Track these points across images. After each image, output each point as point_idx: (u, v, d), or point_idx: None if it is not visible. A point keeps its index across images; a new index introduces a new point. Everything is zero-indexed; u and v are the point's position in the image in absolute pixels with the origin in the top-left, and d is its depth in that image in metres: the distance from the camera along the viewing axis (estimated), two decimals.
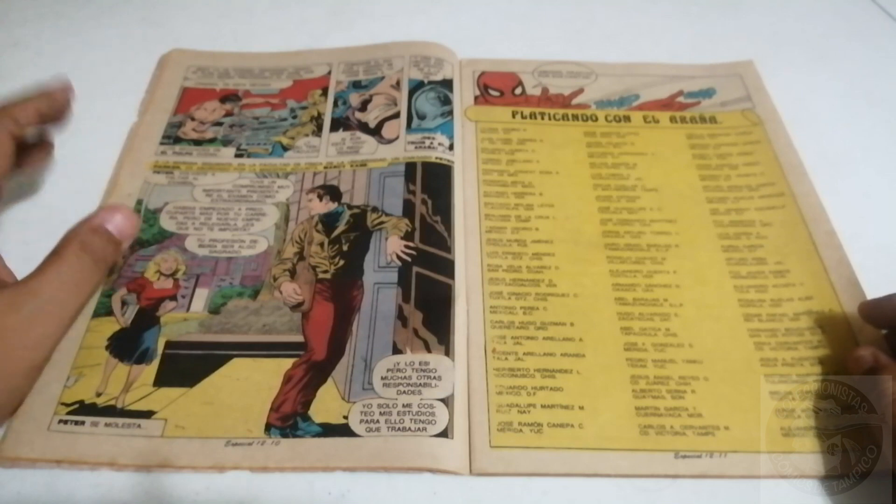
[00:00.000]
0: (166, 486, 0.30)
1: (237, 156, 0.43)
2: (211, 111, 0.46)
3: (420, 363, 0.33)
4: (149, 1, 0.55)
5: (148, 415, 0.31)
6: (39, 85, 0.33)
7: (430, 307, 0.35)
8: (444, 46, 0.49)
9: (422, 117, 0.45)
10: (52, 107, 0.33)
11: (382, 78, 0.47)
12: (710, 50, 0.50)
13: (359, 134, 0.44)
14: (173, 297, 0.36)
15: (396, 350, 0.34)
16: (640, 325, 0.36)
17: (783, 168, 0.43)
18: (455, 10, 0.55)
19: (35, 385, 0.31)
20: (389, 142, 0.43)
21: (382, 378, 0.33)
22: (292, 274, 0.37)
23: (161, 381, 0.33)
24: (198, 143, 0.44)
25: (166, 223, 0.39)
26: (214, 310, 0.36)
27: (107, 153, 0.41)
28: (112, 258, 0.31)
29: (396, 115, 0.45)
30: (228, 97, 0.47)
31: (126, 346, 0.34)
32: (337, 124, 0.45)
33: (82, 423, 0.31)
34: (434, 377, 0.33)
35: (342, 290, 0.36)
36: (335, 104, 0.46)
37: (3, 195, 0.34)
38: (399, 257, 0.37)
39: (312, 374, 0.33)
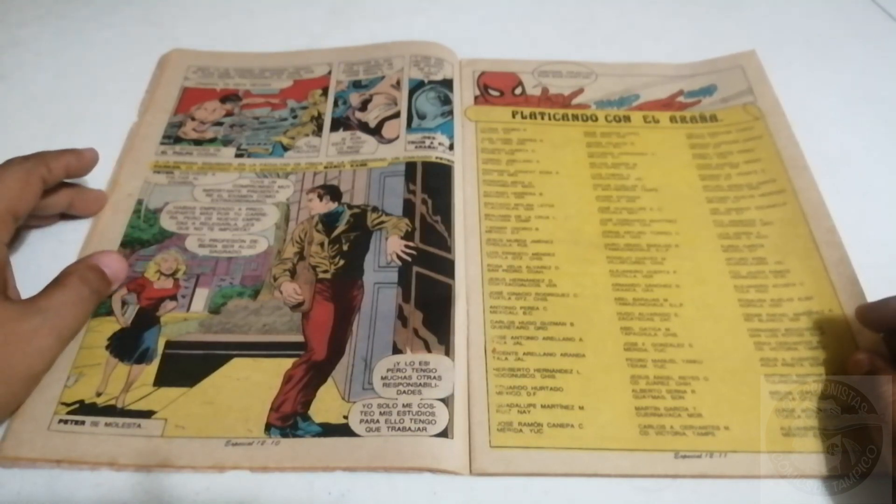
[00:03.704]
0: (166, 486, 0.30)
1: (237, 156, 0.43)
2: (211, 111, 0.46)
3: (420, 363, 0.33)
4: (149, 1, 0.55)
5: (148, 415, 0.31)
6: (71, 147, 0.38)
7: (430, 307, 0.35)
8: (444, 46, 0.49)
9: (422, 117, 0.45)
10: (80, 164, 0.38)
11: (382, 78, 0.47)
12: (711, 49, 0.50)
13: (359, 134, 0.44)
14: (173, 297, 0.36)
15: (396, 350, 0.34)
16: (640, 325, 0.36)
17: (784, 162, 0.42)
18: (455, 10, 0.55)
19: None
20: (389, 141, 0.43)
21: (382, 378, 0.33)
22: (292, 274, 0.37)
23: (161, 380, 0.33)
24: (198, 142, 0.44)
25: (166, 223, 0.39)
26: (214, 310, 0.36)
27: (107, 153, 0.41)
28: (104, 294, 0.35)
29: (396, 115, 0.45)
30: (229, 97, 0.47)
31: (126, 346, 0.34)
32: (337, 124, 0.45)
33: (82, 422, 0.31)
34: (434, 377, 0.33)
35: (342, 290, 0.36)
36: (335, 104, 0.46)
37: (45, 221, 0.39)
38: (399, 257, 0.37)
39: (312, 374, 0.33)
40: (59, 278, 0.33)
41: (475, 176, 0.42)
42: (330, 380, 0.33)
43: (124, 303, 0.35)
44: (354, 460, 0.30)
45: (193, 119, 0.45)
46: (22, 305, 0.31)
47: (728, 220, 0.40)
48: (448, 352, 0.34)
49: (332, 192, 0.41)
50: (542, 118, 0.46)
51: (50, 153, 0.36)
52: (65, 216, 0.39)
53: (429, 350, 0.34)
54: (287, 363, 0.33)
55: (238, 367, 0.33)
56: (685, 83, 0.48)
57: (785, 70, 0.48)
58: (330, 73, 0.48)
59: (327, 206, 0.40)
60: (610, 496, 0.30)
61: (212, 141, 0.44)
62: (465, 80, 0.48)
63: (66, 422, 0.31)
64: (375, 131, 0.44)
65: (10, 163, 0.34)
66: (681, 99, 0.47)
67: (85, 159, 0.38)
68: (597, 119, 0.46)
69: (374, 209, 0.40)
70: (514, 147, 0.44)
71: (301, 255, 0.38)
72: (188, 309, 0.35)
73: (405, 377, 0.33)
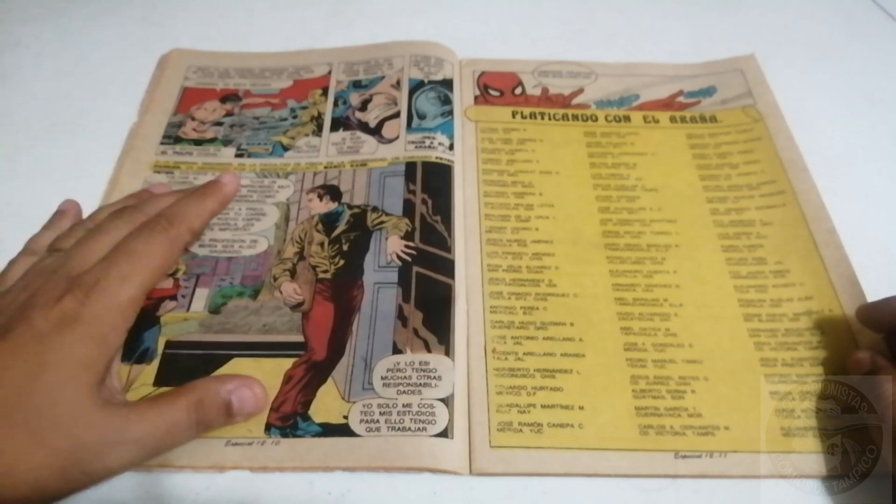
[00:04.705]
0: (166, 486, 0.30)
1: (237, 156, 0.43)
2: (211, 111, 0.46)
3: (420, 363, 0.33)
4: (149, 1, 0.55)
5: None
6: (210, 181, 0.33)
7: (430, 307, 0.35)
8: (444, 46, 0.49)
9: (422, 117, 0.45)
10: (224, 205, 0.35)
11: (382, 77, 0.47)
12: (711, 49, 0.50)
13: (359, 133, 0.44)
14: (173, 297, 0.36)
15: (396, 350, 0.34)
16: (639, 325, 0.36)
17: (784, 165, 0.43)
18: (455, 10, 0.55)
19: None
20: (389, 141, 0.43)
21: (382, 378, 0.33)
22: (292, 274, 0.37)
23: (161, 380, 0.33)
24: (198, 142, 0.44)
25: None
26: (214, 310, 0.36)
27: (107, 153, 0.41)
28: (216, 427, 0.30)
29: (396, 115, 0.45)
30: (229, 97, 0.47)
31: (126, 346, 0.34)
32: (337, 124, 0.45)
33: None
34: (434, 377, 0.33)
35: (342, 290, 0.36)
36: (335, 104, 0.46)
37: None
38: (399, 257, 0.37)
39: (312, 374, 0.33)
40: (178, 391, 0.29)
41: (475, 176, 0.42)
42: (330, 380, 0.33)
43: None
44: (354, 460, 0.30)
45: (193, 119, 0.45)
46: (108, 413, 0.27)
47: (728, 220, 0.40)
48: (448, 352, 0.34)
49: (332, 192, 0.41)
50: (542, 118, 0.46)
51: (191, 207, 0.31)
52: None
53: (429, 350, 0.34)
54: (287, 363, 0.33)
55: (238, 367, 0.33)
56: (685, 83, 0.48)
57: (785, 70, 0.48)
58: (330, 73, 0.48)
59: (327, 206, 0.40)
60: (610, 496, 0.30)
61: (212, 141, 0.44)
62: (465, 80, 0.48)
63: None
64: (375, 131, 0.44)
65: (143, 230, 0.30)
66: (681, 99, 0.47)
67: (228, 197, 0.33)
68: (597, 119, 0.46)
69: (374, 209, 0.40)
70: (514, 147, 0.44)
71: (301, 255, 0.38)
72: (188, 309, 0.35)
73: (405, 377, 0.33)
